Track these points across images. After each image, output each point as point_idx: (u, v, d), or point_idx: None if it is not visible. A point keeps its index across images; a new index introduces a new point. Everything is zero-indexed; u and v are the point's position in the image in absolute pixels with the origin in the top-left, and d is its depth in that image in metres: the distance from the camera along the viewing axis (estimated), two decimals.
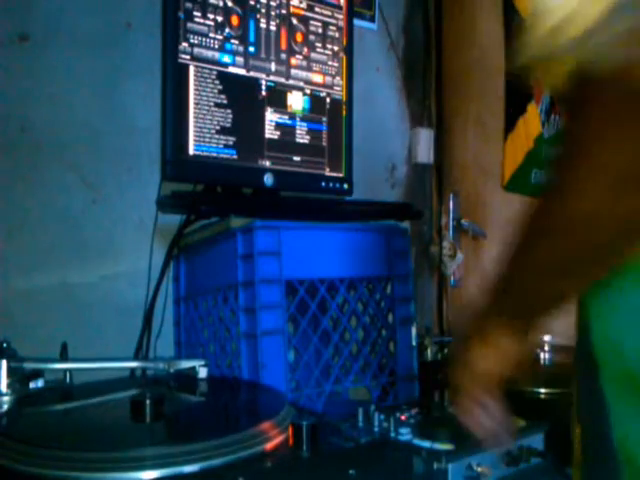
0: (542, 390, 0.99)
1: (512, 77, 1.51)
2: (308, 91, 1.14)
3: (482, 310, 0.61)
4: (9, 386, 0.81)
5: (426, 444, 0.73)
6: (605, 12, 0.40)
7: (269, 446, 0.66)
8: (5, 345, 0.83)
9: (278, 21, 1.10)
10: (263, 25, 1.08)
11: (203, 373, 0.91)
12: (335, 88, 1.18)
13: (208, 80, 1.01)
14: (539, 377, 1.02)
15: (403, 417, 0.82)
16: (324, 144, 1.17)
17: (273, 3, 1.09)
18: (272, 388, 0.88)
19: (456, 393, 0.64)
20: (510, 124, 1.54)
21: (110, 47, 1.13)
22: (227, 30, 1.03)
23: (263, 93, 1.08)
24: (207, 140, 1.01)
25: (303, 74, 1.14)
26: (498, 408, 0.62)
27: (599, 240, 0.47)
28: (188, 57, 0.99)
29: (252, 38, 1.07)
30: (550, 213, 0.49)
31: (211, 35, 1.01)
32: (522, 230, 0.52)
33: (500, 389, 0.63)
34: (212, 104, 1.02)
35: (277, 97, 1.10)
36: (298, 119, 1.13)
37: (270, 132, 1.09)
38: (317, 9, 1.16)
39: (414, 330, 1.09)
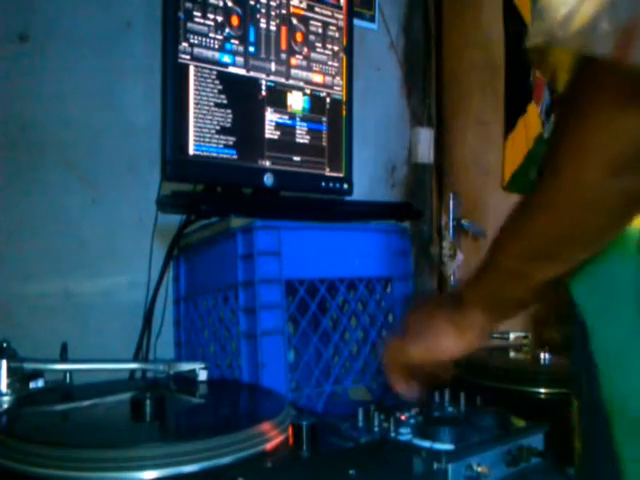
0: (542, 390, 0.99)
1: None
2: (308, 91, 1.14)
3: (459, 294, 0.64)
4: (9, 386, 0.81)
5: (426, 444, 0.73)
6: (603, 6, 0.42)
7: (269, 446, 0.66)
8: (5, 345, 0.83)
9: (278, 21, 1.10)
10: (263, 25, 1.08)
11: (203, 376, 0.91)
12: (335, 88, 1.18)
13: (208, 80, 1.01)
14: (539, 377, 1.02)
15: (403, 417, 0.82)
16: (324, 144, 1.17)
17: (273, 3, 1.09)
18: (272, 390, 0.88)
19: (395, 358, 0.70)
20: (510, 124, 1.53)
21: (110, 47, 1.13)
22: (227, 30, 1.03)
23: (263, 93, 1.08)
24: (207, 140, 1.01)
25: (303, 74, 1.14)
26: (416, 384, 0.70)
27: (588, 221, 0.48)
28: (188, 57, 0.99)
29: (252, 38, 1.07)
30: (543, 194, 0.51)
31: (211, 35, 1.01)
32: (512, 215, 0.54)
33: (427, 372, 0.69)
34: (212, 104, 1.02)
35: (277, 97, 1.10)
36: (298, 119, 1.13)
37: (270, 132, 1.09)
38: (317, 9, 1.16)
39: None
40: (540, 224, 0.52)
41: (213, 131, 1.02)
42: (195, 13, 0.99)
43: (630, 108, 0.43)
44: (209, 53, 1.01)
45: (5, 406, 0.79)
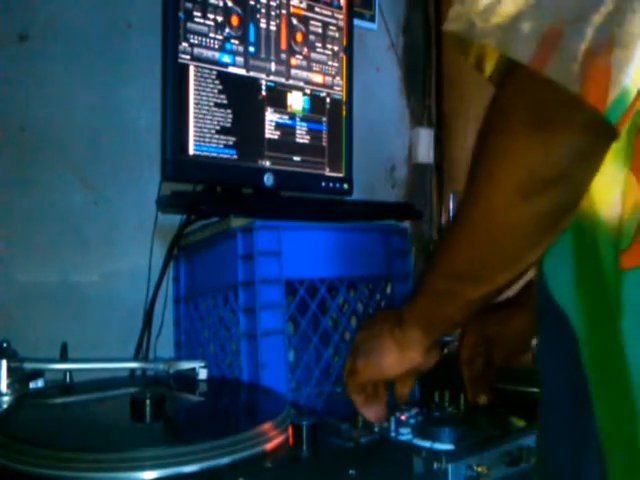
0: None
1: None
2: (308, 91, 1.14)
3: (400, 312, 0.65)
4: (9, 386, 0.81)
5: (426, 444, 0.73)
6: (527, 3, 0.40)
7: (269, 446, 0.66)
8: (5, 345, 0.83)
9: (278, 21, 1.10)
10: (263, 25, 1.08)
11: (203, 374, 0.91)
12: (335, 88, 1.18)
13: (208, 80, 1.01)
14: (539, 377, 1.02)
15: (403, 417, 0.82)
16: (324, 144, 1.17)
17: (273, 3, 1.09)
18: (272, 389, 0.88)
19: (351, 378, 0.72)
20: None
21: (110, 47, 1.13)
22: (227, 30, 1.03)
23: (263, 93, 1.08)
24: (207, 140, 1.01)
25: (303, 74, 1.14)
26: (381, 406, 0.74)
27: (504, 244, 0.49)
28: (188, 57, 0.99)
29: (252, 38, 1.07)
30: (463, 215, 0.52)
31: (211, 35, 1.01)
32: (444, 235, 0.55)
33: (386, 388, 0.72)
34: (212, 104, 1.02)
35: (277, 97, 1.10)
36: (298, 119, 1.13)
37: (270, 132, 1.09)
38: (317, 9, 1.16)
39: None
40: (461, 245, 0.53)
41: (213, 131, 1.02)
42: (195, 13, 1.00)
43: (532, 137, 0.43)
44: (209, 53, 1.01)
45: (5, 406, 0.79)
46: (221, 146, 1.03)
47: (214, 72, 1.02)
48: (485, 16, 0.41)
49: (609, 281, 0.46)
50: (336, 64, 1.18)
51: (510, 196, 0.45)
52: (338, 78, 1.19)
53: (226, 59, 1.04)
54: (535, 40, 0.39)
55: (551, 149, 0.42)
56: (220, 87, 1.03)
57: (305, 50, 1.14)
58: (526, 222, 0.47)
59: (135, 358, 1.09)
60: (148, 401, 0.71)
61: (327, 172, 1.17)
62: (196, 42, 1.00)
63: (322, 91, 1.16)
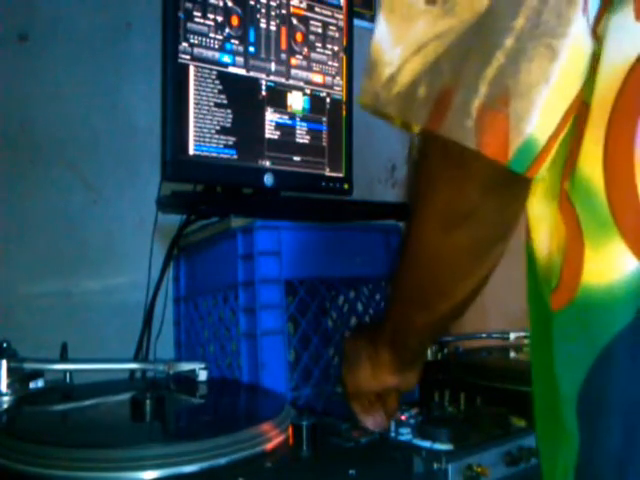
0: None
1: None
2: (308, 91, 1.14)
3: (375, 331, 0.67)
4: (9, 386, 0.81)
5: (426, 444, 0.73)
6: (424, 70, 0.41)
7: (269, 446, 0.66)
8: (5, 345, 0.83)
9: (278, 21, 1.10)
10: (263, 25, 1.08)
11: (203, 376, 0.91)
12: (335, 88, 1.18)
13: (208, 80, 1.01)
14: None
15: (403, 417, 0.82)
16: (324, 144, 1.17)
17: (273, 3, 1.09)
18: (272, 390, 0.88)
19: (348, 396, 0.74)
20: None
21: (110, 47, 1.13)
22: (227, 30, 1.03)
23: (263, 93, 1.08)
24: (207, 140, 1.01)
25: (303, 74, 1.14)
26: (379, 413, 0.74)
27: (435, 273, 0.52)
28: (188, 57, 0.99)
29: (252, 38, 1.07)
30: (403, 244, 0.54)
31: (211, 35, 1.01)
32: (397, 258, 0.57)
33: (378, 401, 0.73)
34: (212, 104, 1.02)
35: (277, 97, 1.10)
36: (298, 119, 1.13)
37: (270, 132, 1.09)
38: (317, 9, 1.16)
39: None
40: (404, 273, 0.55)
41: (213, 131, 1.02)
42: (195, 13, 0.99)
43: (446, 175, 0.45)
44: (209, 53, 1.01)
45: (5, 406, 0.79)
46: (221, 146, 1.03)
47: (214, 72, 1.02)
48: (388, 86, 0.43)
49: (546, 322, 0.46)
50: (336, 64, 1.18)
51: (435, 230, 0.48)
52: (338, 78, 1.19)
53: (226, 59, 1.04)
54: (430, 103, 0.41)
55: (462, 185, 0.45)
56: (220, 87, 1.03)
57: (305, 50, 1.14)
58: (450, 254, 0.50)
59: (135, 358, 1.09)
60: (148, 401, 0.71)
61: (327, 172, 1.17)
62: (196, 42, 1.00)
63: (322, 91, 1.16)
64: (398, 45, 0.42)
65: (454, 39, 0.40)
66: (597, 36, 0.40)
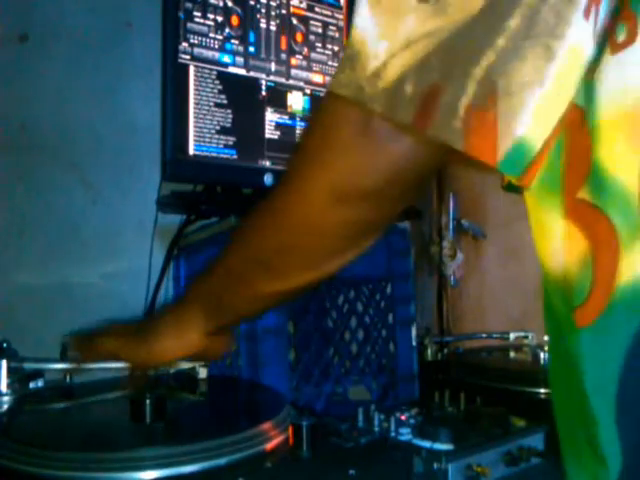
0: (542, 390, 0.99)
1: None
2: (308, 91, 1.14)
3: (184, 291, 0.62)
4: (9, 386, 0.81)
5: (426, 444, 0.73)
6: (411, 66, 0.39)
7: (269, 446, 0.66)
8: (5, 345, 0.83)
9: (278, 21, 1.10)
10: (263, 25, 1.08)
11: (203, 373, 0.91)
12: None
13: (208, 80, 1.01)
14: (539, 377, 1.02)
15: (403, 417, 0.82)
16: None
17: (273, 3, 1.09)
18: (272, 388, 0.88)
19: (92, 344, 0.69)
20: None
21: (110, 47, 1.13)
22: (227, 30, 1.03)
23: (263, 93, 1.08)
24: (207, 140, 1.01)
25: (303, 74, 1.14)
26: None
27: (307, 241, 0.49)
28: (188, 57, 0.99)
29: (252, 38, 1.07)
30: (272, 201, 0.50)
31: (211, 35, 1.01)
32: (252, 212, 0.52)
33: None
34: (212, 104, 1.02)
35: (277, 97, 1.10)
36: (298, 119, 1.13)
37: (270, 132, 1.09)
38: (317, 9, 1.16)
39: (414, 330, 1.09)
40: (267, 231, 0.51)
41: (213, 131, 1.02)
42: (195, 13, 0.99)
43: (357, 147, 0.43)
44: (209, 53, 1.01)
45: (5, 406, 0.79)
46: (221, 146, 1.03)
47: (214, 72, 1.02)
48: (373, 81, 0.40)
49: (566, 337, 0.44)
50: (336, 64, 1.18)
51: (324, 198, 0.45)
52: None
53: (226, 59, 1.04)
54: (416, 101, 0.38)
55: (377, 163, 0.43)
56: (220, 87, 1.03)
57: (305, 50, 1.14)
58: (332, 226, 0.47)
59: None
60: (148, 401, 0.71)
61: None
62: (196, 42, 1.00)
63: (322, 91, 1.16)
64: (385, 39, 0.40)
65: (445, 38, 0.38)
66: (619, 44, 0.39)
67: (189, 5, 0.99)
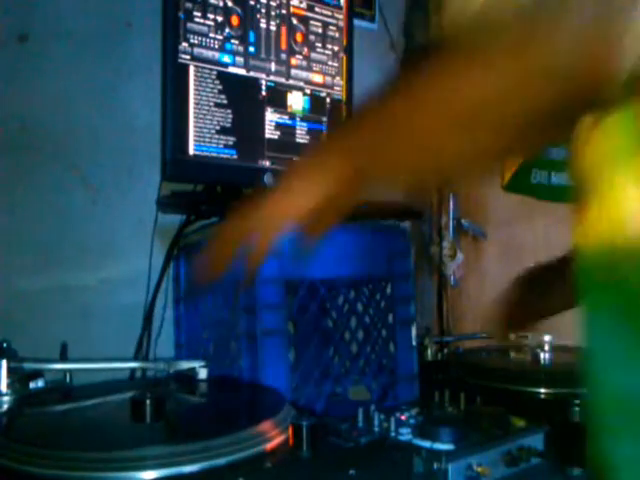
0: (542, 390, 0.99)
1: None
2: (308, 91, 1.14)
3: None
4: (9, 386, 0.81)
5: (426, 444, 0.73)
6: None
7: (269, 446, 0.66)
8: (5, 345, 0.83)
9: (278, 21, 1.10)
10: (263, 25, 1.08)
11: (203, 374, 0.91)
12: (335, 88, 1.18)
13: (208, 80, 1.01)
14: (539, 377, 1.02)
15: (403, 417, 0.82)
16: None
17: (273, 3, 1.09)
18: (272, 388, 0.88)
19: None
20: None
21: (110, 47, 1.13)
22: (227, 30, 1.03)
23: (263, 93, 1.08)
24: (207, 140, 1.01)
25: (303, 74, 1.14)
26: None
27: (433, 164, 0.47)
28: (188, 57, 0.99)
29: (252, 38, 1.07)
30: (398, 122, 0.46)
31: (211, 35, 1.01)
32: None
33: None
34: (212, 104, 1.02)
35: (277, 97, 1.10)
36: (298, 119, 1.13)
37: (270, 132, 1.09)
38: (317, 9, 1.16)
39: (414, 330, 1.09)
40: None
41: (213, 131, 1.02)
42: (195, 13, 0.99)
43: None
44: (209, 53, 1.01)
45: (5, 406, 0.79)
46: (221, 146, 1.03)
47: (214, 72, 1.02)
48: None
49: None
50: (336, 64, 1.18)
51: (451, 125, 0.43)
52: (338, 78, 1.19)
53: (226, 59, 1.04)
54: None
55: None
56: (220, 87, 1.03)
57: (305, 50, 1.14)
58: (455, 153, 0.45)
59: (135, 358, 1.09)
60: (148, 401, 0.71)
61: None
62: (196, 42, 1.00)
63: (322, 91, 1.16)
64: None
65: None
66: None
67: (189, 5, 0.99)
